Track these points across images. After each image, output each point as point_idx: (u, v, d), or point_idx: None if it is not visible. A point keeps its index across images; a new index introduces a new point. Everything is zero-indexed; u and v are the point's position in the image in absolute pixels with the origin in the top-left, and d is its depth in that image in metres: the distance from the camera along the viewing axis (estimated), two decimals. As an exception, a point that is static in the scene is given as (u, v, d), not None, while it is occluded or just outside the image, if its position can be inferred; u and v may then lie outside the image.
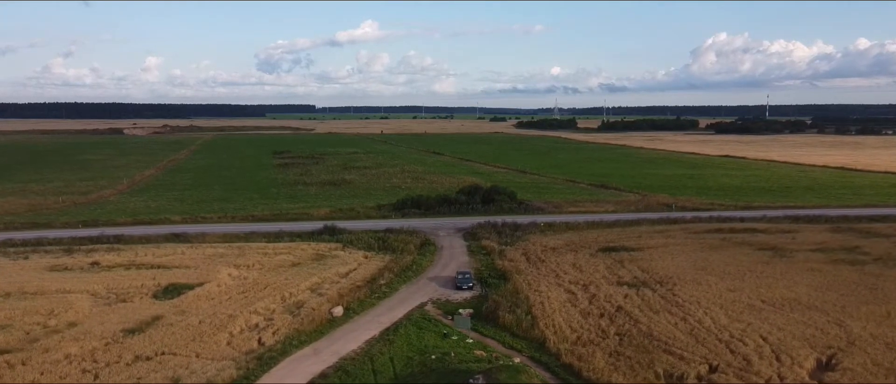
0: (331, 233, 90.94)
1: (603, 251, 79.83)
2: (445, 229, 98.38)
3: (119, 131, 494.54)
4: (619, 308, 56.69)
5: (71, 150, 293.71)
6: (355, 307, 58.78)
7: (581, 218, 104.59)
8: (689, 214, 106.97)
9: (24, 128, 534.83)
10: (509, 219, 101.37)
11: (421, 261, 77.02)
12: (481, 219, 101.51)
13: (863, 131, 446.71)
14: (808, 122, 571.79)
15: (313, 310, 56.39)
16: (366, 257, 79.42)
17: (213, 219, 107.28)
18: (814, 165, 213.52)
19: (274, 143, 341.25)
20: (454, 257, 79.98)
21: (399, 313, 57.32)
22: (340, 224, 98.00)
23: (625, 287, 63.36)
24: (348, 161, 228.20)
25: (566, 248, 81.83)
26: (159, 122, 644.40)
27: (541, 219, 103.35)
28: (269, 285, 65.50)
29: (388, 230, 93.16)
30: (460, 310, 57.36)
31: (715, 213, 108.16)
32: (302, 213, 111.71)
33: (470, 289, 65.41)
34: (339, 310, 56.60)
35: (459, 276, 66.90)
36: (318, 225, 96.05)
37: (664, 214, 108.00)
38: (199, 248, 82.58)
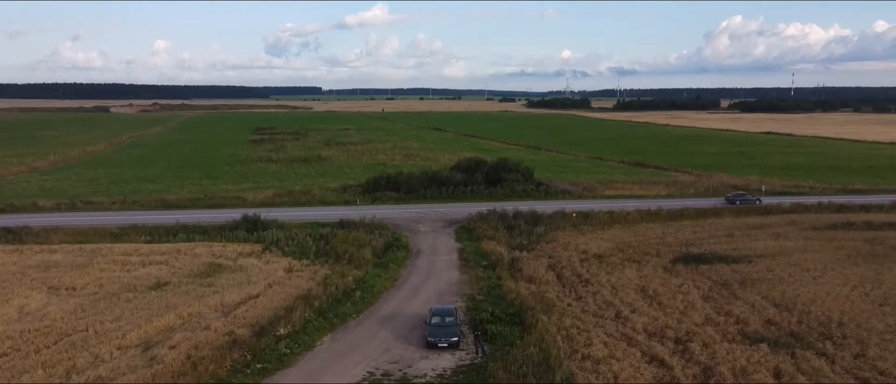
0: (250, 229, 59.27)
1: (684, 262, 47.98)
2: (429, 221, 66.81)
3: (105, 109, 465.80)
4: (781, 412, 25.01)
5: (32, 126, 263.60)
6: (197, 402, 27.24)
7: (628, 205, 72.67)
8: (786, 200, 74.79)
9: (8, 106, 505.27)
10: (525, 206, 69.61)
11: (375, 281, 45.19)
12: (483, 207, 69.79)
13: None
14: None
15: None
16: (289, 270, 47.96)
17: (105, 205, 76.15)
18: (878, 142, 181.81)
19: (261, 121, 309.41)
20: (434, 272, 48.22)
21: (286, 423, 25.74)
22: (277, 213, 66.74)
23: (763, 345, 31.63)
24: (334, 137, 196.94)
25: (620, 257, 50.00)
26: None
27: (570, 206, 71.46)
28: (67, 337, 34.25)
29: (342, 223, 61.64)
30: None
31: (822, 199, 75.91)
32: (233, 198, 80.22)
33: (454, 346, 33.44)
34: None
35: (435, 321, 34.63)
36: (247, 214, 64.30)
37: (749, 200, 75.95)
38: (21, 254, 51.35)
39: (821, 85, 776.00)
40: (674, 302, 38.58)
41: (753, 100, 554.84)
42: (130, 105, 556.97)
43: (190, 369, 29.48)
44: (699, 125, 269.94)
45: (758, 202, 74.49)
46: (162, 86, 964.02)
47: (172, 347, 32.46)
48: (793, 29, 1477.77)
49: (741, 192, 79.25)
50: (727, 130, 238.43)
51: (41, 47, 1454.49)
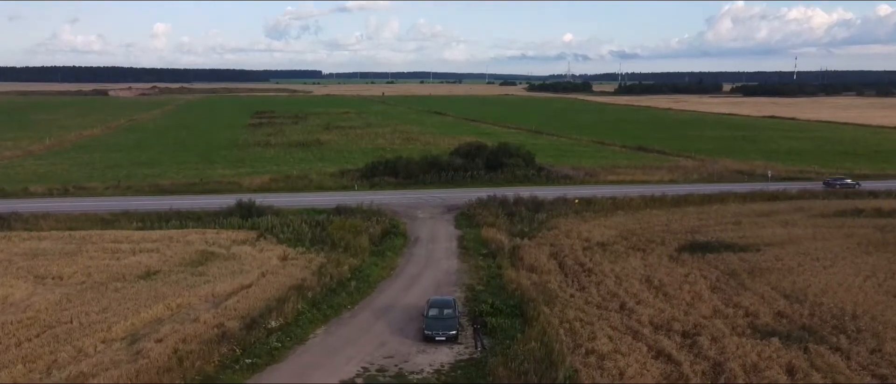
0: (245, 215, 57.89)
1: (689, 250, 46.63)
2: (428, 207, 65.42)
3: (104, 93, 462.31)
4: (796, 412, 23.75)
5: (29, 109, 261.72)
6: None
7: (632, 190, 71.23)
8: (792, 186, 73.36)
9: (6, 89, 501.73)
10: (526, 191, 68.13)
11: (372, 270, 43.89)
12: (484, 192, 68.40)
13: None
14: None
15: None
16: (283, 258, 46.68)
17: (98, 191, 74.79)
18: (883, 126, 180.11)
19: (260, 104, 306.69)
20: (433, 260, 46.90)
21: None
22: (272, 198, 65.45)
23: (774, 340, 30.37)
24: (333, 120, 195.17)
25: (624, 245, 48.66)
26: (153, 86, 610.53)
27: (572, 192, 70.03)
28: (50, 329, 32.99)
29: (338, 209, 60.27)
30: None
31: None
32: (229, 183, 78.79)
33: (452, 340, 32.16)
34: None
35: (432, 313, 33.28)
36: (242, 199, 62.83)
37: (755, 186, 74.43)
38: (9, 241, 49.94)
39: (823, 69, 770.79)
40: (680, 293, 37.26)
41: (756, 84, 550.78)
42: (129, 88, 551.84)
43: (176, 365, 28.18)
44: (701, 109, 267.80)
45: (857, 186, 73.67)
46: (161, 69, 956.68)
47: (159, 340, 31.20)
48: (795, 12, 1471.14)
49: (840, 177, 77.89)
50: (730, 115, 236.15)
51: (40, 30, 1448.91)
